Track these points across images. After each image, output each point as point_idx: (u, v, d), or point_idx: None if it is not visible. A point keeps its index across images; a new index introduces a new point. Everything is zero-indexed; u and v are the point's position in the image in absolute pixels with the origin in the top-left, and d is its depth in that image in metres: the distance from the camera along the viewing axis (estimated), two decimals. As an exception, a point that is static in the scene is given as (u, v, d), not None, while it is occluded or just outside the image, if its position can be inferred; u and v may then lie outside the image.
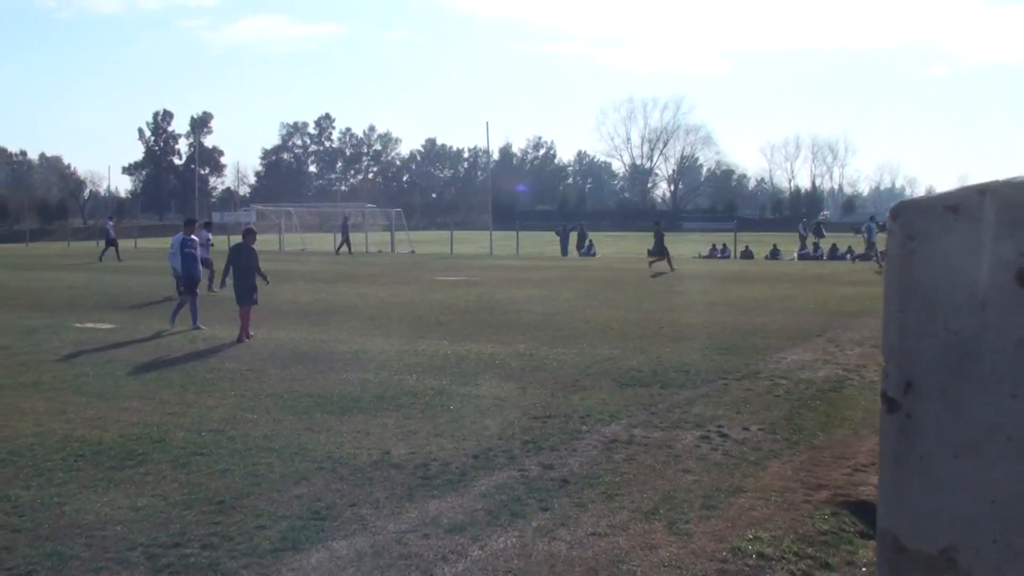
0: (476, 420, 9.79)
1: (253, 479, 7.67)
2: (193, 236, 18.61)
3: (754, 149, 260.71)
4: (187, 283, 17.80)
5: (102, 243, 47.01)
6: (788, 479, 7.68)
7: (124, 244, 56.07)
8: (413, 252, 53.04)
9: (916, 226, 1.36)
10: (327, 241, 59.64)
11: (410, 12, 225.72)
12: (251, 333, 15.82)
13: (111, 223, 49.54)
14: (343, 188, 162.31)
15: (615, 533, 6.34)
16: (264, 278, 16.76)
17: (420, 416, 10.00)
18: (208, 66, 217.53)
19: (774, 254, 48.39)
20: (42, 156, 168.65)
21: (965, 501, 1.31)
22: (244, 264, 16.42)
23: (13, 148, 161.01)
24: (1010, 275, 1.28)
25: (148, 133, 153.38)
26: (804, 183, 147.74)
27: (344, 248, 51.24)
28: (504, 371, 12.73)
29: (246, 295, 16.11)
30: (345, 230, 52.61)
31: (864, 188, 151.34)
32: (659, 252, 35.32)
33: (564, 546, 6.11)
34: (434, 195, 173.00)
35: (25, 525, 6.55)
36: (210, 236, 29.28)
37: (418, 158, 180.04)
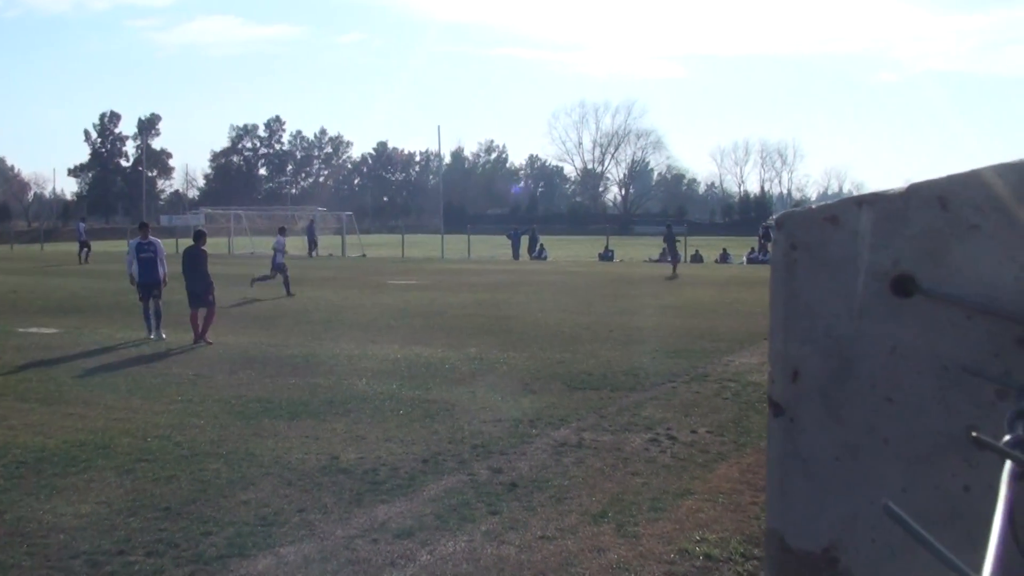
0: (426, 424, 9.78)
1: (199, 485, 7.60)
2: (153, 239, 17.39)
3: (704, 154, 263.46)
4: (143, 289, 16.79)
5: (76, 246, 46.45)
6: (735, 481, 7.76)
7: (70, 247, 55.20)
8: (364, 256, 52.84)
9: (798, 236, 1.40)
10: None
11: (365, 15, 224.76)
12: (209, 340, 15.68)
13: (83, 225, 49.10)
14: (294, 191, 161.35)
15: (564, 536, 6.37)
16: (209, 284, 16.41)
17: (369, 421, 9.97)
18: (157, 67, 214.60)
19: (724, 258, 48.87)
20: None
21: (846, 501, 1.35)
22: (196, 267, 16.43)
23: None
24: (885, 284, 1.33)
25: (94, 135, 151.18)
26: (754, 188, 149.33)
27: (314, 252, 51.26)
28: (454, 375, 12.73)
29: (196, 298, 16.11)
30: (311, 232, 52.69)
31: (812, 193, 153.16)
32: (675, 255, 36.22)
33: (513, 550, 6.13)
34: (385, 198, 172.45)
35: (-35, 534, 6.44)
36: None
37: (369, 161, 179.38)
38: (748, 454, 8.63)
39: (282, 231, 27.96)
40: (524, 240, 52.39)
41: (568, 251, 57.86)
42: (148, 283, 16.74)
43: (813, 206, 1.40)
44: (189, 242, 17.84)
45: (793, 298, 1.39)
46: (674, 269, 35.58)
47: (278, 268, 26.02)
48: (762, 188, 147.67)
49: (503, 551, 6.11)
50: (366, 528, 6.53)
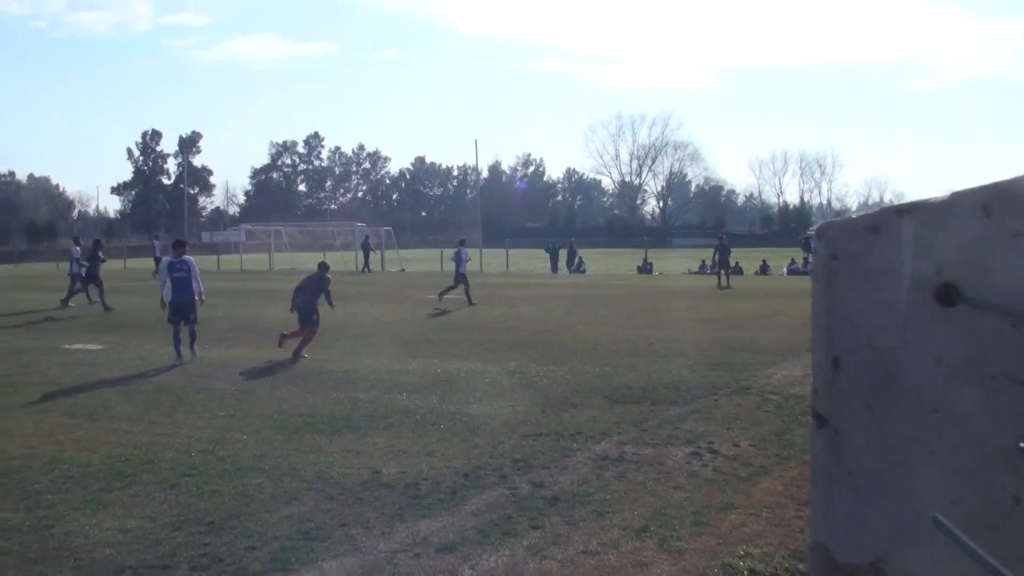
0: (466, 438, 9.79)
1: (243, 499, 7.66)
2: (185, 258, 16.36)
3: (742, 165, 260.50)
4: (175, 311, 15.88)
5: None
6: (779, 495, 7.70)
7: (114, 265, 55.72)
8: (403, 270, 53.10)
9: (839, 246, 1.40)
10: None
11: (402, 31, 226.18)
12: (304, 355, 16.17)
13: (158, 243, 49.98)
14: (333, 207, 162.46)
15: (606, 551, 6.35)
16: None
17: (410, 435, 10.00)
18: (197, 86, 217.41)
19: (764, 269, 48.55)
20: (31, 176, 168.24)
21: (892, 513, 1.34)
22: (315, 290, 17.50)
23: (1, 168, 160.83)
24: (928, 293, 1.32)
25: (137, 153, 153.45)
26: (793, 198, 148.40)
27: (366, 268, 51.85)
28: (494, 389, 12.74)
29: (304, 314, 16.97)
30: (366, 248, 53.28)
31: (853, 203, 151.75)
32: (726, 266, 36.21)
33: (555, 565, 6.11)
34: (424, 213, 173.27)
35: (13, 548, 6.52)
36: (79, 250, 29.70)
37: (408, 176, 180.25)
38: (791, 467, 8.55)
39: (462, 243, 28.90)
40: (562, 253, 52.41)
41: (607, 264, 57.77)
42: (182, 303, 15.90)
43: (854, 216, 1.40)
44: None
45: (835, 308, 1.38)
46: (725, 281, 35.51)
47: (460, 279, 27.24)
48: (801, 199, 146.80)
49: (545, 566, 6.09)
50: (408, 543, 6.54)
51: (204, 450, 9.35)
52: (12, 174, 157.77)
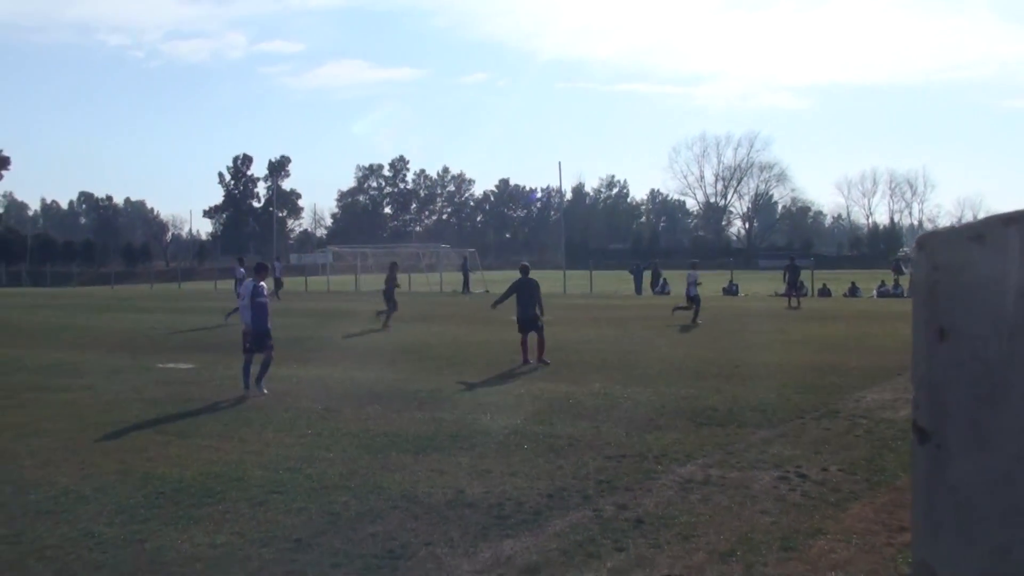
0: (550, 459, 9.76)
1: (329, 517, 7.74)
2: (263, 283, 15.43)
3: (830, 185, 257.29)
4: (255, 339, 14.81)
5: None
6: (870, 521, 7.52)
7: (205, 286, 56.92)
8: (487, 291, 53.23)
9: (941, 257, 1.35)
10: (402, 281, 60.15)
11: (488, 55, 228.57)
12: (547, 360, 17.08)
13: (280, 264, 51.34)
14: (417, 229, 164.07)
15: (691, 575, 6.27)
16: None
17: (494, 455, 10.01)
18: (287, 111, 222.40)
19: (853, 291, 47.63)
20: (127, 200, 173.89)
21: (999, 532, 1.29)
22: (532, 296, 18.05)
23: (100, 193, 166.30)
24: None
25: (228, 177, 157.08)
26: (882, 219, 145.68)
27: (467, 289, 52.38)
28: (578, 410, 12.69)
29: (528, 324, 17.85)
30: (466, 270, 53.87)
31: (945, 224, 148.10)
32: (795, 287, 35.75)
33: (639, 587, 6.05)
34: (507, 235, 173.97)
35: (108, 561, 6.68)
36: None
37: (492, 198, 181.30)
38: (883, 494, 8.36)
39: (694, 266, 29.38)
40: (647, 275, 52.11)
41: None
42: (262, 331, 14.84)
43: (957, 226, 1.36)
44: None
45: (936, 320, 1.34)
46: (795, 302, 35.04)
47: (693, 299, 27.78)
48: (891, 219, 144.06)
49: (630, 588, 6.03)
50: (492, 563, 6.54)
51: (292, 468, 9.48)
52: (110, 198, 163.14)
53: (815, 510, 7.84)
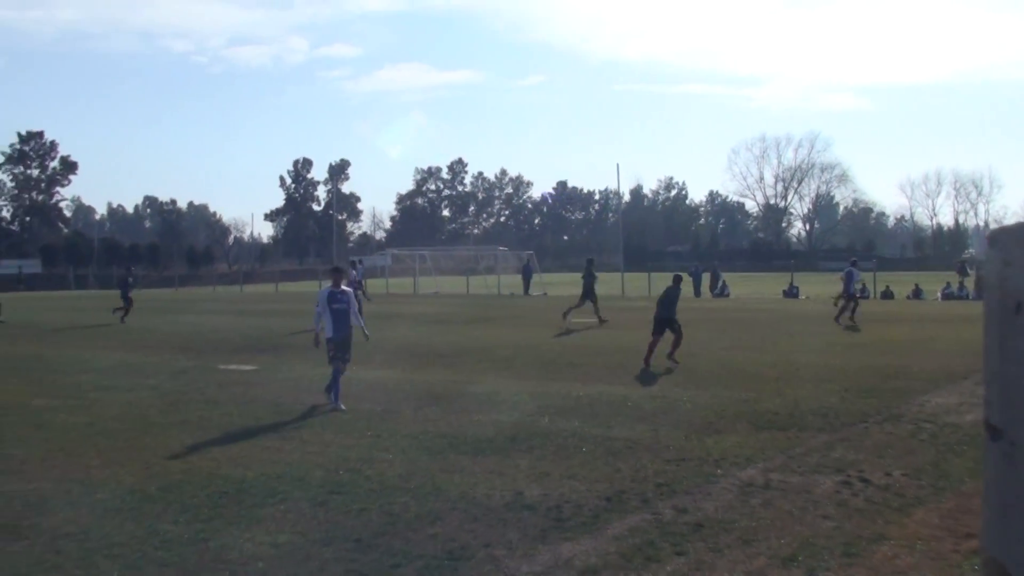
0: (608, 462, 9.74)
1: (389, 518, 7.79)
2: (345, 288, 14.55)
3: (893, 186, 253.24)
4: (337, 347, 13.93)
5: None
6: (934, 527, 7.39)
7: (266, 289, 57.52)
8: (545, 294, 53.23)
9: (1014, 252, 1.33)
10: (460, 284, 60.47)
11: (546, 58, 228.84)
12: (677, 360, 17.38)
13: (361, 266, 51.99)
14: (475, 231, 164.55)
15: (752, 579, 6.21)
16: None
17: (552, 458, 10.01)
18: (347, 115, 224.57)
19: (916, 294, 46.87)
20: (190, 204, 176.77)
21: None
22: (673, 302, 19.07)
23: (164, 197, 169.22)
24: None
25: (289, 180, 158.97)
26: (947, 220, 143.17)
27: (527, 291, 52.79)
28: (636, 413, 12.65)
29: (663, 324, 18.56)
30: (527, 272, 54.17)
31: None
32: (851, 295, 34.70)
33: (699, 591, 6.01)
34: (565, 237, 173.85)
35: (173, 560, 6.79)
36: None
37: (549, 200, 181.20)
38: (948, 499, 8.21)
39: (855, 264, 29.78)
40: (706, 277, 51.73)
41: (751, 288, 56.72)
42: (344, 339, 14.07)
43: None
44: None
45: (1008, 316, 1.31)
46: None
47: (852, 297, 28.30)
48: (956, 220, 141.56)
49: (689, 592, 6.00)
50: (551, 565, 6.54)
51: (352, 469, 9.57)
52: (174, 202, 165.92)
53: (878, 515, 7.74)
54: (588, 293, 28.45)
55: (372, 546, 7.03)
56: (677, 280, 19.86)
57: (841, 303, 28.50)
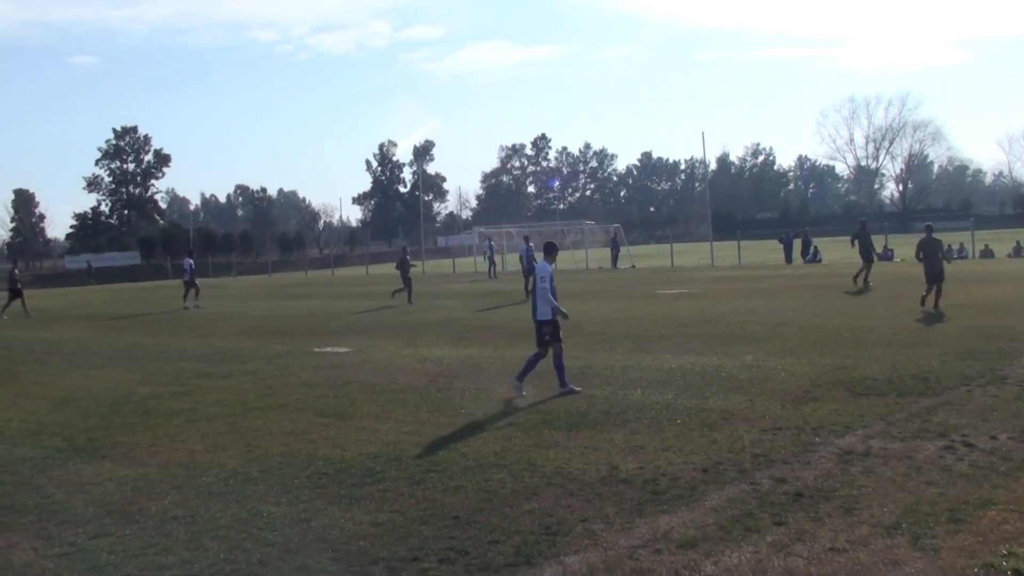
0: (704, 434, 9.66)
1: (485, 495, 7.85)
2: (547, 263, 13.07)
3: (990, 142, 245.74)
4: (555, 328, 12.81)
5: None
6: (1044, 491, 7.17)
7: (357, 272, 58.28)
8: (633, 267, 53.02)
9: None
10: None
11: (628, 29, 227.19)
12: None
13: (493, 244, 53.40)
14: (561, 207, 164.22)
15: (855, 548, 6.10)
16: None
17: (647, 431, 9.96)
18: (431, 96, 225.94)
19: (1018, 252, 45.47)
20: (280, 191, 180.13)
21: None
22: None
23: (255, 185, 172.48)
24: None
25: (375, 164, 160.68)
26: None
27: (615, 264, 53.69)
28: (731, 383, 12.51)
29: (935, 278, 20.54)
30: (615, 246, 54.41)
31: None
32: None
33: (801, 562, 5.92)
34: (652, 208, 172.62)
35: (276, 540, 6.94)
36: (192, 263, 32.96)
37: (635, 172, 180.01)
38: (1057, 461, 7.96)
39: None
40: (797, 243, 50.90)
41: (844, 253, 55.39)
42: (553, 319, 12.88)
43: None
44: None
45: None
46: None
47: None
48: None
49: (791, 563, 5.92)
50: (649, 538, 6.51)
51: (447, 447, 9.65)
52: (264, 190, 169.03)
53: (984, 480, 7.53)
54: (867, 253, 28.52)
55: (470, 523, 7.09)
56: (928, 230, 21.84)
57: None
